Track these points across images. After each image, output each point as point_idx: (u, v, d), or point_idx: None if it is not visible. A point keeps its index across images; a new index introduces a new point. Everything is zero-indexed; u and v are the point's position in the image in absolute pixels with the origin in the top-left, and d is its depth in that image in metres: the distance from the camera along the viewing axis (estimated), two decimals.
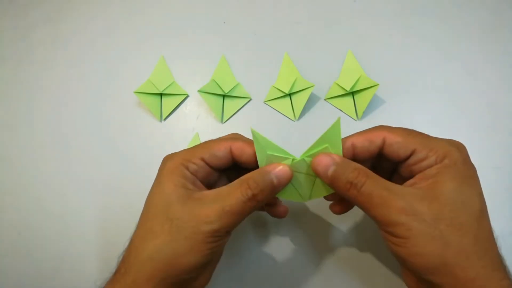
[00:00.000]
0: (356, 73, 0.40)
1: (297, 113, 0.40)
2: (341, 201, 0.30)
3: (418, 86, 0.41)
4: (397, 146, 0.25)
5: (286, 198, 0.28)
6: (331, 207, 0.31)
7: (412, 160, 0.25)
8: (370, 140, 0.26)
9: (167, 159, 0.27)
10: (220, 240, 0.25)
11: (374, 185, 0.23)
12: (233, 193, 0.24)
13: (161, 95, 0.42)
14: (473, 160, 0.38)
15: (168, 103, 0.42)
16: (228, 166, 0.28)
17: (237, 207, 0.24)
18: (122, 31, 0.45)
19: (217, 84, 0.41)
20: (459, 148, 0.25)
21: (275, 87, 0.41)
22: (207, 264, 0.26)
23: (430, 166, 0.24)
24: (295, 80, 0.40)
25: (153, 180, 0.27)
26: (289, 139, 0.40)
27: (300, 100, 0.40)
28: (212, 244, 0.24)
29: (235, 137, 0.28)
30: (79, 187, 0.40)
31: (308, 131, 0.40)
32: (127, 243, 0.26)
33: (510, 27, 0.42)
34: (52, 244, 0.38)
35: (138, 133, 0.41)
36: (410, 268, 0.23)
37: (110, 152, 0.41)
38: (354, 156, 0.27)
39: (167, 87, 0.42)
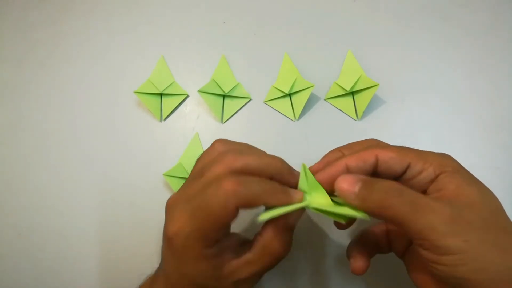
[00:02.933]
0: (356, 73, 0.40)
1: (297, 113, 0.40)
2: (359, 253, 0.28)
3: (418, 86, 0.41)
4: (392, 162, 0.24)
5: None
6: (353, 265, 0.27)
7: (408, 174, 0.24)
8: (364, 160, 0.25)
9: (181, 235, 0.23)
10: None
11: (415, 194, 0.21)
12: (262, 262, 0.25)
13: (161, 95, 0.42)
14: (473, 160, 0.38)
15: (168, 103, 0.42)
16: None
17: (267, 269, 0.26)
18: (122, 31, 0.45)
19: (217, 84, 0.41)
20: (452, 158, 0.25)
21: (275, 87, 0.41)
22: None
23: (431, 178, 0.23)
24: (295, 80, 0.40)
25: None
26: (289, 139, 0.40)
27: (300, 100, 0.40)
28: None
29: (235, 190, 0.22)
30: (79, 187, 0.40)
31: (308, 131, 0.40)
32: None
33: (510, 27, 0.42)
34: (52, 244, 0.38)
35: (138, 133, 0.41)
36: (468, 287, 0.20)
37: (110, 152, 0.41)
38: None
39: (167, 87, 0.42)
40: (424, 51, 0.42)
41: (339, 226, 0.29)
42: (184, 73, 0.43)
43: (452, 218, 0.20)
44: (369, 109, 0.40)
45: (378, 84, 0.38)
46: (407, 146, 0.26)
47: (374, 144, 0.27)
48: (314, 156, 0.25)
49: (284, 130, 0.41)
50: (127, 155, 0.41)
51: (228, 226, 0.25)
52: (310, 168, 0.26)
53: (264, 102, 0.42)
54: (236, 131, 0.41)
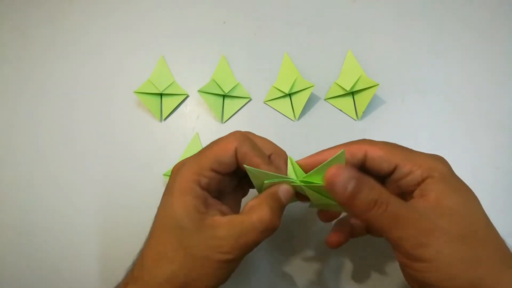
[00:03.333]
0: (356, 73, 0.40)
1: (297, 113, 0.40)
2: (339, 231, 0.29)
3: (418, 86, 0.41)
4: (379, 161, 0.24)
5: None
6: (328, 238, 0.29)
7: (396, 175, 0.24)
8: (351, 153, 0.25)
9: (177, 172, 0.26)
10: (234, 265, 0.25)
11: (398, 204, 0.21)
12: (247, 223, 0.24)
13: (161, 95, 0.42)
14: (473, 160, 0.38)
15: (168, 103, 0.42)
16: (236, 168, 0.27)
17: (252, 238, 0.24)
18: (122, 31, 0.45)
19: (217, 84, 0.41)
20: (443, 161, 0.25)
21: (275, 87, 0.41)
22: (222, 284, 0.26)
23: (417, 181, 0.23)
24: (295, 80, 0.40)
25: (156, 181, 0.27)
26: (289, 139, 0.40)
27: (300, 100, 0.40)
28: (226, 269, 0.24)
29: (239, 138, 0.26)
30: (79, 187, 0.40)
31: (308, 131, 0.40)
32: (135, 259, 0.26)
33: (510, 27, 0.42)
34: (52, 244, 0.38)
35: (138, 133, 0.41)
36: None
37: (110, 152, 0.41)
38: None
39: (167, 87, 0.42)
40: (424, 51, 0.42)
41: (322, 218, 0.30)
42: (184, 73, 0.43)
43: (427, 230, 0.20)
44: (369, 109, 0.40)
45: (378, 84, 0.38)
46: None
47: (366, 141, 0.27)
48: None
49: (284, 130, 0.41)
50: (127, 155, 0.41)
51: (223, 168, 0.26)
52: (297, 161, 0.27)
53: (264, 102, 0.42)
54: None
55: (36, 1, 0.47)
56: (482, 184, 0.37)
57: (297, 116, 0.40)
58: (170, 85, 0.42)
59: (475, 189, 0.37)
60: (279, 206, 0.25)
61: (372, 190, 0.21)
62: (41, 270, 0.38)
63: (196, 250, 0.23)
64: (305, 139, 0.40)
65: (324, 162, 0.23)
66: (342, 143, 0.28)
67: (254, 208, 0.24)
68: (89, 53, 0.45)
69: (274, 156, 0.27)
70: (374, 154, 0.25)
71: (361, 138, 0.27)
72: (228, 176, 0.28)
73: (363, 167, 0.26)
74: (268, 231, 0.24)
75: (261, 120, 0.41)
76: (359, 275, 0.36)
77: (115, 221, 0.39)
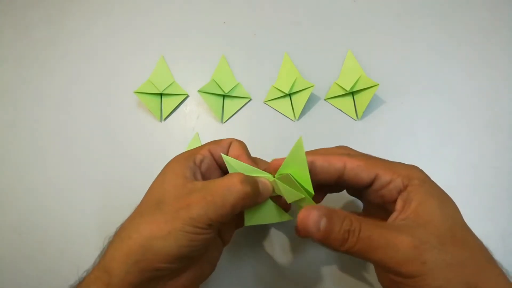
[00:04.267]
0: (356, 73, 0.40)
1: (297, 113, 0.40)
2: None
3: (418, 86, 0.41)
4: (359, 170, 0.25)
5: (257, 223, 0.28)
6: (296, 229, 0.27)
7: (377, 184, 0.25)
8: (329, 162, 0.25)
9: (176, 156, 0.28)
10: (200, 235, 0.23)
11: (370, 227, 0.21)
12: (219, 185, 0.24)
13: (161, 95, 0.42)
14: (473, 160, 0.38)
15: (168, 103, 0.42)
16: None
17: (220, 199, 0.23)
18: (122, 31, 0.45)
19: (217, 84, 0.41)
20: (419, 170, 0.25)
21: (275, 87, 0.41)
22: (185, 260, 0.24)
23: (399, 189, 0.24)
24: (295, 80, 0.40)
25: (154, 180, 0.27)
26: (289, 139, 0.40)
27: (300, 100, 0.40)
28: (191, 235, 0.23)
29: (239, 140, 0.29)
30: (79, 187, 0.40)
31: (308, 131, 0.40)
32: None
33: (510, 27, 0.42)
34: (52, 244, 0.38)
35: (138, 133, 0.41)
36: None
37: (110, 152, 0.41)
38: (315, 175, 0.26)
39: (167, 87, 0.42)
40: (424, 51, 0.42)
41: (298, 232, 0.28)
42: (184, 73, 0.43)
43: (409, 245, 0.20)
44: (369, 109, 0.40)
45: (378, 84, 0.38)
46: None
47: (345, 152, 0.27)
48: None
49: (284, 130, 0.41)
50: (127, 155, 0.41)
51: (218, 151, 0.28)
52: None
53: (264, 102, 0.42)
54: (236, 131, 0.41)
55: (36, 1, 0.47)
56: (482, 184, 0.37)
57: (297, 116, 0.40)
58: (170, 85, 0.42)
59: (474, 189, 0.37)
60: (253, 182, 0.25)
61: (344, 221, 0.21)
62: (42, 270, 0.38)
63: (166, 205, 0.24)
64: (305, 139, 0.40)
65: (288, 154, 0.25)
66: (346, 143, 0.28)
67: (232, 175, 0.24)
68: (89, 53, 0.45)
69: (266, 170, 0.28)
70: (354, 164, 0.25)
71: (340, 146, 0.28)
72: (221, 173, 0.29)
73: (341, 179, 0.26)
74: (238, 193, 0.23)
75: (261, 120, 0.41)
76: (358, 274, 0.36)
77: (115, 221, 0.38)
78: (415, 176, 0.24)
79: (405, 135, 0.39)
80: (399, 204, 0.23)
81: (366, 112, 0.40)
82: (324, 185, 0.28)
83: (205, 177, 0.27)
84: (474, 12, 0.43)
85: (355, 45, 0.43)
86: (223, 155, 0.26)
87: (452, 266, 0.20)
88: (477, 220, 0.36)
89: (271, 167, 0.27)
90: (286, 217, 0.29)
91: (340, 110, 0.41)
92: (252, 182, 0.25)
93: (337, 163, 0.25)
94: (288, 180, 0.25)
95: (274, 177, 0.27)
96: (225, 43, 0.44)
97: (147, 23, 0.45)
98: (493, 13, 0.43)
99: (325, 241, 0.22)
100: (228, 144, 0.28)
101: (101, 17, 0.46)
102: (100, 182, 0.40)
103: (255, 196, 0.25)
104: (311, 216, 0.22)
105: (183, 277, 0.25)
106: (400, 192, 0.24)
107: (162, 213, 0.23)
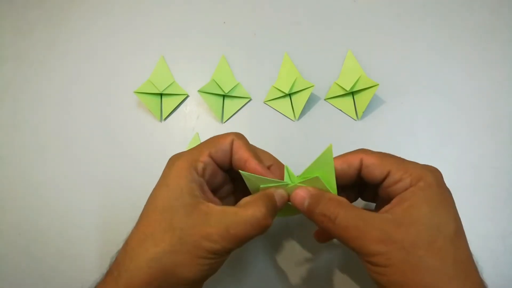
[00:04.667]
0: (356, 73, 0.40)
1: (297, 113, 0.40)
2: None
3: (418, 86, 0.41)
4: (372, 167, 0.25)
5: (285, 215, 0.28)
6: (315, 235, 0.32)
7: (388, 181, 0.25)
8: (348, 163, 0.26)
9: (175, 158, 0.27)
10: (220, 258, 0.24)
11: (349, 216, 0.23)
12: (240, 214, 0.24)
13: (161, 95, 0.42)
14: (473, 160, 0.38)
15: (168, 103, 0.42)
16: (231, 166, 0.28)
17: (243, 231, 0.23)
18: (122, 31, 0.45)
19: (217, 84, 0.41)
20: (434, 172, 0.25)
21: (275, 87, 0.41)
22: (205, 278, 0.25)
23: (405, 188, 0.24)
24: (295, 80, 0.40)
25: (156, 180, 0.26)
26: (289, 139, 0.40)
27: (300, 100, 0.40)
28: (212, 260, 0.24)
29: (239, 135, 0.28)
30: (79, 187, 0.40)
31: (308, 131, 0.40)
32: (121, 244, 0.25)
33: (510, 27, 0.42)
34: (52, 244, 0.38)
35: (138, 133, 0.41)
36: None
37: (110, 152, 0.41)
38: (337, 178, 0.26)
39: (167, 87, 0.42)
40: (424, 51, 0.42)
41: (319, 239, 0.32)
42: (184, 73, 0.43)
43: (379, 239, 0.22)
44: (369, 109, 0.40)
45: (378, 84, 0.38)
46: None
47: (362, 151, 0.27)
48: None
49: (284, 130, 0.41)
50: (127, 155, 0.41)
51: (219, 155, 0.27)
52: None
53: (264, 102, 0.42)
54: (236, 131, 0.41)
55: (36, 1, 0.47)
56: (482, 184, 0.37)
57: (297, 116, 0.40)
58: (170, 85, 0.42)
59: (474, 189, 0.37)
60: (273, 207, 0.25)
61: (324, 205, 0.24)
62: (42, 269, 0.38)
63: (185, 233, 0.23)
64: (305, 139, 0.40)
65: (314, 160, 0.25)
66: (346, 143, 0.28)
67: (250, 203, 0.25)
68: (89, 53, 0.45)
69: (274, 168, 0.28)
70: (369, 161, 0.26)
71: (360, 148, 0.28)
72: (223, 171, 0.28)
73: (359, 175, 0.27)
74: (260, 228, 0.24)
75: (261, 120, 0.41)
76: (357, 272, 0.36)
77: (115, 221, 0.39)
78: (423, 178, 0.24)
79: (405, 135, 0.39)
80: (395, 200, 0.24)
81: (366, 112, 0.40)
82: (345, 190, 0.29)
83: (211, 184, 0.27)
84: (474, 12, 0.43)
85: (355, 45, 0.43)
86: (243, 173, 0.26)
87: (417, 269, 0.21)
88: (477, 220, 0.36)
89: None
90: (295, 213, 0.29)
91: (340, 110, 0.41)
92: (274, 210, 0.25)
93: (354, 162, 0.26)
94: (317, 183, 0.26)
95: (290, 182, 0.26)
96: (225, 43, 0.44)
97: (147, 23, 0.45)
98: (493, 13, 0.43)
99: (309, 217, 0.25)
100: (230, 145, 0.27)
101: (101, 17, 0.46)
102: (100, 182, 0.40)
103: (273, 217, 0.25)
104: (298, 195, 0.26)
105: (200, 285, 0.26)
106: (404, 191, 0.24)
107: (181, 242, 0.23)
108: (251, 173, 0.26)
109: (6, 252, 0.38)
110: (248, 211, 0.24)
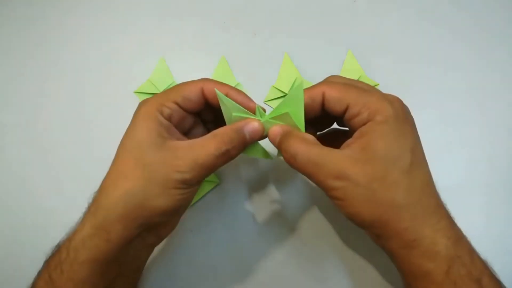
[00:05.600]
0: (356, 73, 0.40)
1: None
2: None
3: (418, 86, 0.41)
4: (333, 101, 0.26)
5: (252, 155, 0.30)
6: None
7: (347, 115, 0.26)
8: (312, 97, 0.27)
9: (142, 104, 0.28)
10: (191, 188, 0.26)
11: (309, 154, 0.24)
12: (207, 147, 0.25)
13: None
14: (472, 160, 0.38)
15: None
16: (201, 108, 0.29)
17: (209, 161, 0.25)
18: (122, 31, 0.45)
19: None
20: (393, 102, 0.25)
21: (275, 87, 0.41)
22: (177, 210, 0.26)
23: (364, 123, 0.25)
24: (295, 80, 0.40)
25: None
26: None
27: None
28: (183, 190, 0.25)
29: (207, 79, 0.29)
30: (79, 187, 0.40)
31: None
32: (98, 187, 0.27)
33: (510, 27, 0.42)
34: (52, 244, 0.38)
35: None
36: (353, 224, 0.25)
37: (110, 152, 0.41)
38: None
39: (167, 87, 0.42)
40: (424, 51, 0.42)
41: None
42: (184, 73, 0.43)
43: (335, 176, 0.23)
44: None
45: (378, 84, 0.38)
46: None
47: (330, 80, 0.28)
48: None
49: None
50: None
51: (187, 103, 0.27)
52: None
53: (264, 102, 0.42)
54: None
55: (36, 1, 0.47)
56: (480, 182, 0.37)
57: None
58: (170, 85, 0.42)
59: (474, 188, 0.37)
60: (240, 140, 0.26)
61: (287, 142, 0.25)
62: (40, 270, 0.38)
63: (155, 168, 0.24)
64: None
65: (285, 97, 0.26)
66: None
67: (216, 135, 0.26)
68: (89, 54, 0.45)
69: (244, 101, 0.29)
70: (329, 95, 0.26)
71: (329, 76, 0.28)
72: (193, 116, 0.29)
73: (324, 110, 0.27)
74: (224, 158, 0.26)
75: None
76: (356, 270, 0.36)
77: None
78: (382, 112, 0.24)
79: None
80: (356, 134, 0.25)
81: None
82: (315, 123, 0.30)
83: (179, 128, 0.28)
84: (474, 12, 0.43)
85: (355, 45, 0.43)
86: (218, 93, 0.26)
87: (369, 201, 0.23)
88: (476, 220, 0.36)
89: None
90: (268, 157, 0.31)
91: None
92: (241, 142, 0.26)
93: (317, 96, 0.26)
94: (286, 119, 0.26)
95: (262, 118, 0.28)
96: (225, 43, 0.44)
97: (148, 23, 0.45)
98: (493, 13, 0.43)
99: (281, 151, 0.27)
100: (199, 92, 0.28)
101: (101, 18, 0.46)
102: (100, 182, 0.40)
103: (240, 149, 0.27)
104: (273, 132, 0.27)
105: (174, 219, 0.28)
106: (363, 125, 0.25)
107: (151, 176, 0.24)
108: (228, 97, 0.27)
109: (7, 252, 0.38)
110: (213, 143, 0.25)
